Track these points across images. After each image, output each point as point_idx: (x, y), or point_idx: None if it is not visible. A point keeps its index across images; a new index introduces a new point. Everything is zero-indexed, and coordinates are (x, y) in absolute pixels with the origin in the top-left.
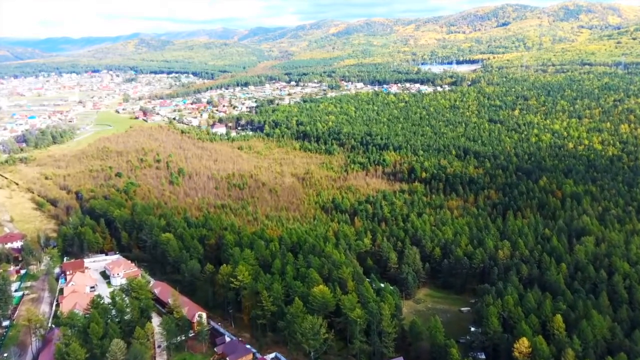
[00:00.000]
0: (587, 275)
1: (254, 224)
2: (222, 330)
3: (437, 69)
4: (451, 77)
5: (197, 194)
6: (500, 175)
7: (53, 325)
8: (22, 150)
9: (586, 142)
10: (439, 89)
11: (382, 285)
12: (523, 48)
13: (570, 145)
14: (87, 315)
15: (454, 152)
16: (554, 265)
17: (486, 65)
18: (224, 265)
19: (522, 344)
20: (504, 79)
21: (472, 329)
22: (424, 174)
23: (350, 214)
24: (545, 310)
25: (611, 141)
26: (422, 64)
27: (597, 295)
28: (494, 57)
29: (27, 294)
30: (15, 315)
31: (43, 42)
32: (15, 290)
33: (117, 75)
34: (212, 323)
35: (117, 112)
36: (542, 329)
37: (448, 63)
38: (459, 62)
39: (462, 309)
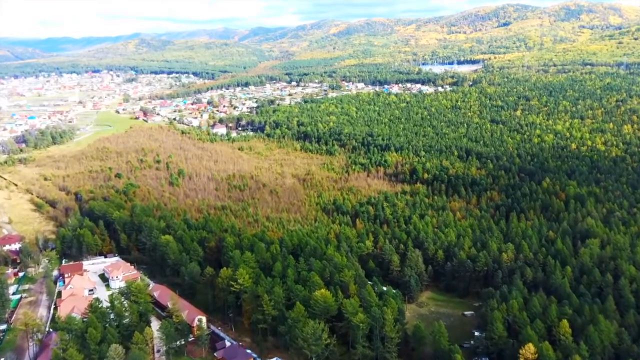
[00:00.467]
0: (593, 278)
1: (255, 226)
2: (222, 334)
3: (438, 69)
4: (452, 77)
5: (197, 195)
6: (503, 177)
7: (51, 330)
8: (21, 150)
9: (589, 142)
10: (440, 89)
11: (385, 288)
12: (524, 48)
13: (573, 146)
14: (85, 320)
15: (456, 153)
16: (559, 268)
17: (487, 66)
18: (224, 268)
19: (528, 350)
20: (506, 79)
21: (477, 333)
22: (425, 175)
23: (351, 215)
24: (550, 315)
25: (614, 142)
26: (423, 64)
27: (604, 299)
28: (495, 57)
29: (25, 297)
30: (13, 318)
31: (43, 42)
32: (13, 293)
33: (118, 76)
34: (212, 327)
35: (117, 112)
36: (548, 334)
37: (449, 63)
38: (460, 62)
39: (466, 312)
